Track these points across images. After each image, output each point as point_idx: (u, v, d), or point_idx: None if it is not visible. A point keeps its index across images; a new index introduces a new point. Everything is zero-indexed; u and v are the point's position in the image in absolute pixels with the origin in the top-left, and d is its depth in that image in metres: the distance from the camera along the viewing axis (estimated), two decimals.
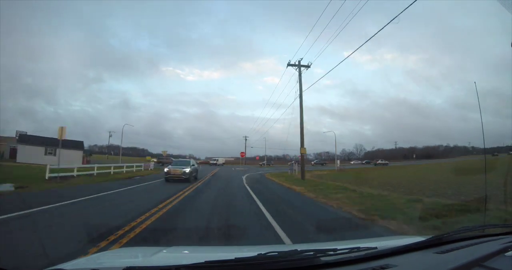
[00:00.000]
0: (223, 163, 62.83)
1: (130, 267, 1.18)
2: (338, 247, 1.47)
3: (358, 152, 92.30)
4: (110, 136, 68.30)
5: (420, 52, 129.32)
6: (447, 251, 1.46)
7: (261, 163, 63.25)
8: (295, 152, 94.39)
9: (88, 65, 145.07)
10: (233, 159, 75.81)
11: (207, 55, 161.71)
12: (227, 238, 4.74)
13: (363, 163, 65.51)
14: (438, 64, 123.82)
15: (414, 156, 73.84)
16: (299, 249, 1.48)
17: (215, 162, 61.28)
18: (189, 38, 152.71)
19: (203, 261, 1.22)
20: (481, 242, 1.58)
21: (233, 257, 1.27)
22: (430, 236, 1.69)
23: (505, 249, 1.35)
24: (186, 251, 2.13)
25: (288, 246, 2.76)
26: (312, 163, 63.63)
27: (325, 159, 77.51)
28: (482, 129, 4.22)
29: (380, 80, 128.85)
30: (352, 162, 67.58)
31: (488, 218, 5.03)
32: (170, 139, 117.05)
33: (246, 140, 57.86)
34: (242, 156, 50.85)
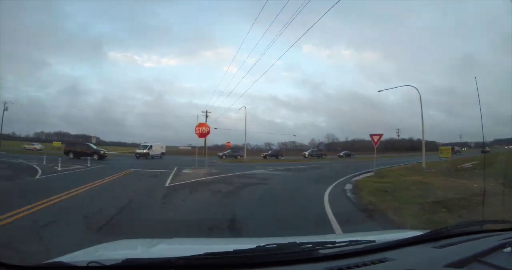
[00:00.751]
0: (162, 153, 33.74)
1: (129, 259, 1.16)
2: (337, 240, 1.47)
3: (330, 142, 76.45)
4: (5, 109, 42.18)
5: (375, 50, 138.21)
6: (445, 245, 1.47)
7: (221, 154, 37.30)
8: (256, 141, 75.94)
9: (38, 49, 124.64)
10: (189, 147, 50.48)
11: (166, 42, 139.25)
12: None
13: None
14: (392, 62, 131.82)
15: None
16: (298, 242, 1.44)
17: (144, 150, 31.06)
18: (148, 25, 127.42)
19: (202, 253, 1.21)
20: (479, 238, 1.60)
21: (232, 249, 1.27)
22: (428, 230, 1.69)
23: (503, 245, 1.34)
24: (186, 243, 2.08)
25: (287, 238, 1.91)
26: (306, 154, 43.25)
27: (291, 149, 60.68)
28: (482, 125, 4.95)
29: (339, 75, 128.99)
30: (340, 153, 47.90)
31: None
32: (124, 126, 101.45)
33: (207, 116, 29.81)
34: (200, 135, 18.53)
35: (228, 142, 39.91)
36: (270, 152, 44.28)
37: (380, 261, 1.26)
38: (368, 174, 14.76)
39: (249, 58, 34.02)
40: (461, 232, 1.70)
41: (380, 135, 16.28)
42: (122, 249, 1.68)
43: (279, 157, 39.42)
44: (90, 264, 1.14)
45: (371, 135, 16.32)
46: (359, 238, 1.53)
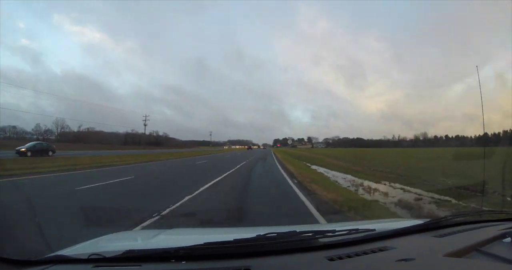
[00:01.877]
0: None
1: (130, 250, 1.18)
2: (337, 229, 1.45)
3: (59, 131, 62.70)
4: None
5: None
6: (445, 235, 1.47)
7: None
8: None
9: None
10: None
11: None
12: None
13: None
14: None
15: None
16: (298, 230, 1.44)
17: None
18: None
19: (202, 243, 1.21)
20: (478, 227, 1.60)
21: (232, 239, 1.27)
22: (428, 220, 1.70)
23: (503, 235, 1.35)
24: (186, 233, 2.10)
25: (287, 227, 1.97)
26: (23, 150, 22.09)
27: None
28: (483, 120, 4.69)
29: (82, 57, 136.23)
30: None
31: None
32: None
33: None
34: None
35: None
36: None
37: (380, 250, 1.26)
38: None
39: None
40: (460, 221, 1.71)
41: None
42: (122, 241, 1.70)
43: None
44: (91, 257, 1.15)
45: None
46: (359, 227, 1.53)
